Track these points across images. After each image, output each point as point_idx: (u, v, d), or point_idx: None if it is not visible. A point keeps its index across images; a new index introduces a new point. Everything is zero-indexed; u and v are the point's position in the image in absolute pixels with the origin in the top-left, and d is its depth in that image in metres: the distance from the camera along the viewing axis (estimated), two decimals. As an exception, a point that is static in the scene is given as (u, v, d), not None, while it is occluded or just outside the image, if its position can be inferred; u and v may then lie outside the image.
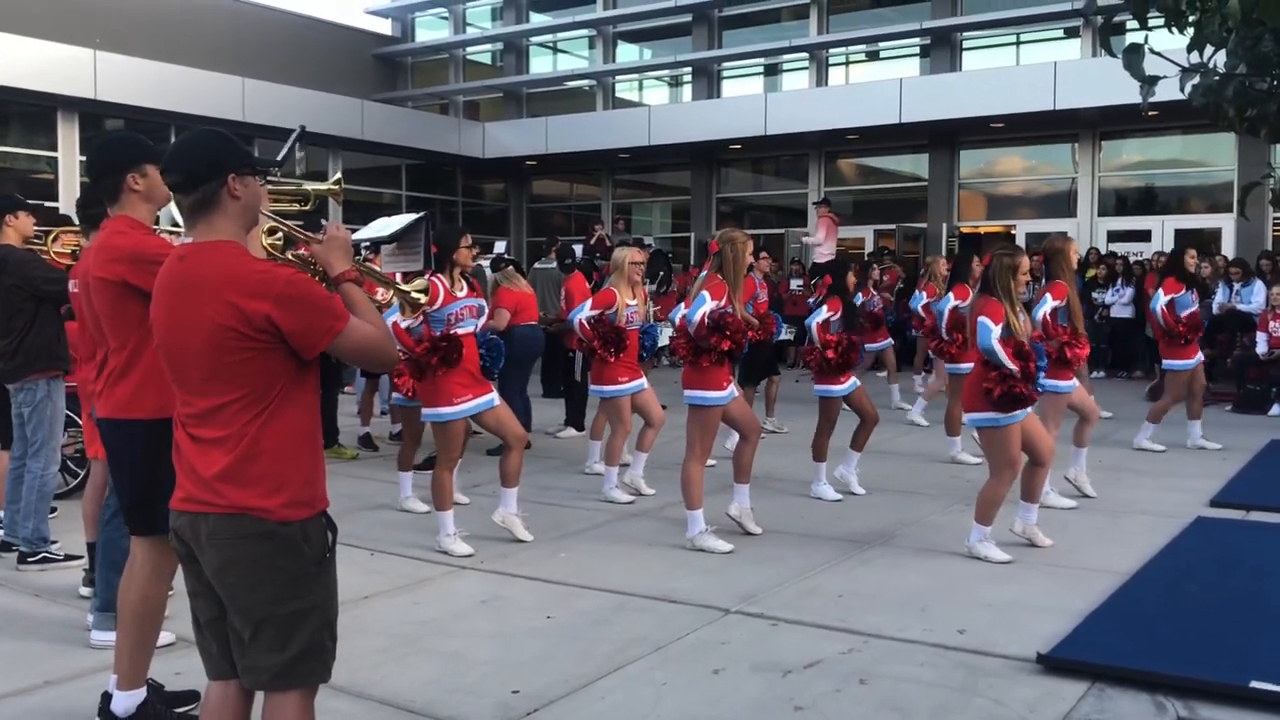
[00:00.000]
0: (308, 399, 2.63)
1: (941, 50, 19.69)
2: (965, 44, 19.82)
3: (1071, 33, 18.93)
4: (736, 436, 6.23)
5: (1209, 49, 3.26)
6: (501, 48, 25.38)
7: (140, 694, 3.57)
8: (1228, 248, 16.15)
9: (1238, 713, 3.66)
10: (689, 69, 22.62)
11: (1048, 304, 6.67)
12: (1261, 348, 11.67)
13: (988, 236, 19.21)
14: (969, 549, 5.61)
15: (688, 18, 22.17)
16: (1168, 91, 3.22)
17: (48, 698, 3.89)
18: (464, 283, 6.05)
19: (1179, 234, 16.68)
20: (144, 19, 19.81)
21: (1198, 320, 8.77)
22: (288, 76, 19.89)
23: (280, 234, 2.95)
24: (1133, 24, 3.51)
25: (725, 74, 22.55)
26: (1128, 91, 3.56)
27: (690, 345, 5.84)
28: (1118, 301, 14.72)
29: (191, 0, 21.03)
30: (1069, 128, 18.09)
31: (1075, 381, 6.90)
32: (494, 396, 5.89)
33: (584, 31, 24.04)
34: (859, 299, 10.38)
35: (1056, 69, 16.79)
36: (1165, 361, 8.87)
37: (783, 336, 10.74)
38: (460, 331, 5.81)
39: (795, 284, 16.71)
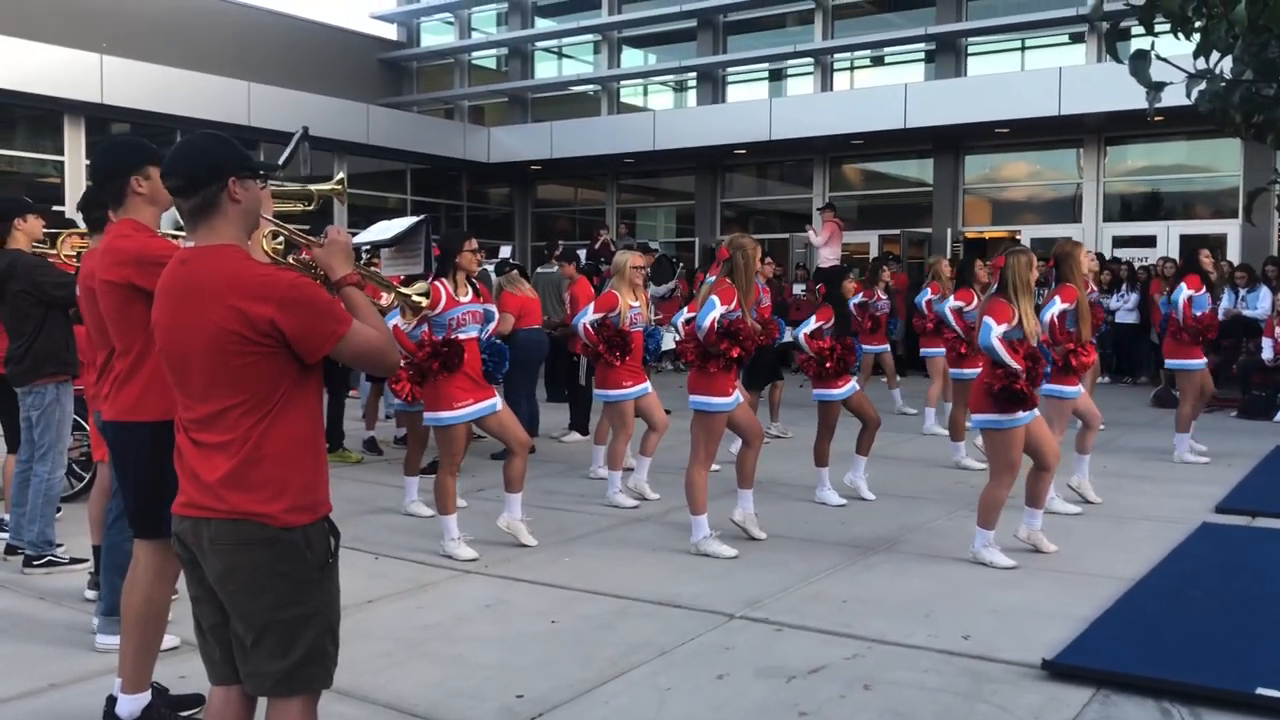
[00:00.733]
0: (310, 403, 2.63)
1: (946, 55, 19.69)
2: (970, 49, 19.82)
3: (1077, 38, 18.94)
4: (740, 441, 6.22)
5: (1215, 55, 3.25)
6: (507, 53, 25.42)
7: (145, 697, 3.57)
8: (1233, 253, 16.12)
9: (1243, 720, 3.65)
10: (694, 74, 22.65)
11: (1056, 306, 6.67)
12: (1267, 353, 11.65)
13: (992, 241, 19.20)
14: (973, 554, 5.60)
15: (692, 23, 22.20)
16: (1173, 97, 3.22)
17: (52, 701, 3.89)
18: (469, 287, 6.05)
19: (1184, 239, 16.65)
20: (150, 23, 19.87)
21: (1213, 320, 8.73)
22: (293, 81, 19.94)
23: (282, 238, 2.96)
24: (1139, 30, 3.51)
25: (730, 79, 22.57)
26: (1133, 97, 3.56)
27: (699, 350, 5.83)
28: (1122, 307, 14.70)
29: (198, 5, 21.10)
30: (1074, 133, 18.09)
31: (1080, 387, 6.89)
32: (496, 401, 5.89)
33: (589, 36, 24.08)
34: (863, 300, 10.39)
35: (1061, 74, 16.80)
36: (1173, 362, 8.76)
37: (786, 340, 10.71)
38: (462, 336, 5.81)
39: (799, 289, 16.71)
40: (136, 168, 3.68)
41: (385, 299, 3.73)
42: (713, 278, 6.06)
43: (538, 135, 22.57)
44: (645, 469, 7.39)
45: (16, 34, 15.91)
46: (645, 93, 24.46)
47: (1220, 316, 12.67)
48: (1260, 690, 3.72)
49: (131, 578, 3.65)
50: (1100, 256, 15.72)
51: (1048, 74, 17.11)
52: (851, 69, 21.43)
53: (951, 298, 8.75)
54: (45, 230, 5.87)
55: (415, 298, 3.25)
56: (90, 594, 4.95)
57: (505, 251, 15.70)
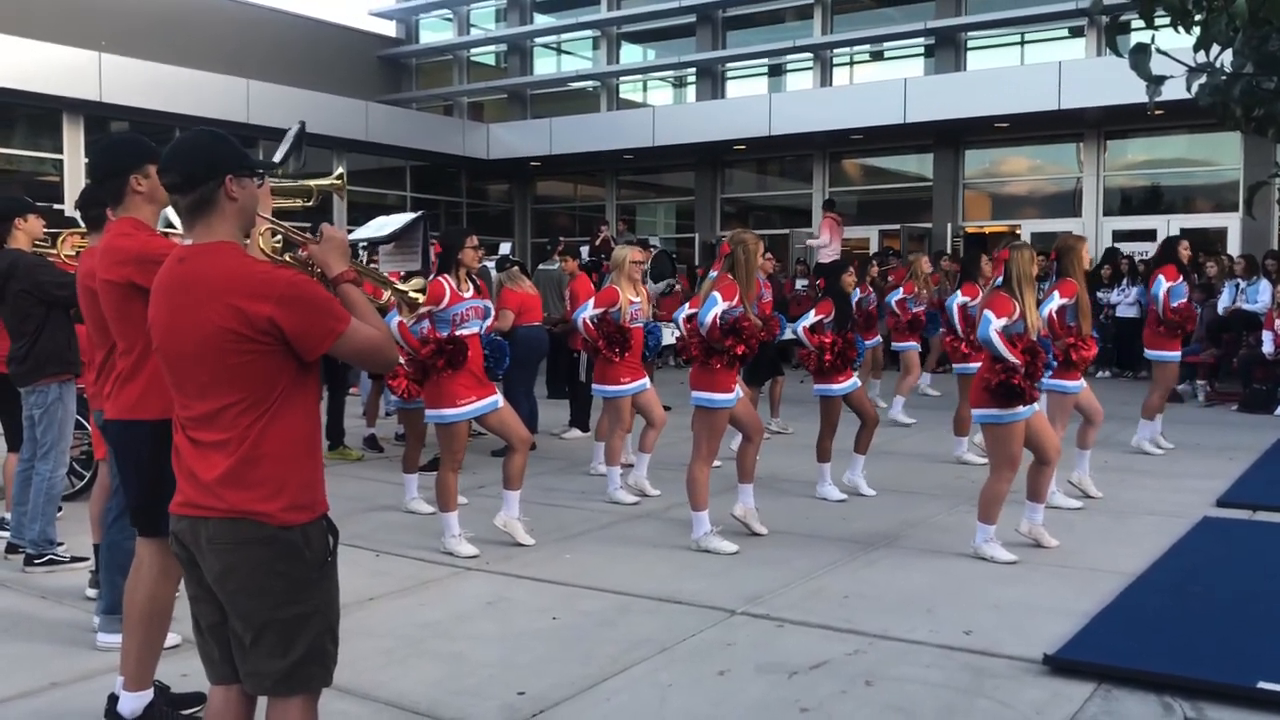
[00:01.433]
0: (308, 402, 2.62)
1: (946, 50, 19.67)
2: (970, 44, 19.80)
3: (1076, 32, 18.91)
4: (740, 437, 6.22)
5: (1216, 48, 3.25)
6: (506, 49, 25.40)
7: (147, 695, 3.57)
8: (1233, 247, 16.11)
9: (1245, 714, 3.64)
10: (693, 69, 22.62)
11: (1055, 301, 6.66)
12: (1268, 347, 11.64)
13: (992, 236, 19.19)
14: (974, 550, 5.59)
15: (692, 18, 22.18)
16: (1173, 91, 3.21)
17: (54, 699, 3.89)
18: (470, 283, 6.05)
19: (1184, 233, 16.64)
20: (149, 21, 19.85)
21: (1191, 311, 8.73)
22: (292, 78, 19.93)
23: (279, 236, 2.95)
24: (1139, 23, 3.50)
25: (729, 74, 22.55)
26: (1133, 91, 3.56)
27: (702, 346, 5.83)
28: (1123, 301, 14.68)
29: (196, 2, 21.08)
30: (1074, 127, 18.07)
31: (1083, 382, 6.89)
32: (498, 399, 5.89)
33: (588, 32, 24.05)
34: (856, 294, 10.40)
35: (1061, 69, 16.78)
36: (1151, 352, 8.72)
37: (787, 336, 10.72)
38: (465, 332, 5.81)
39: (800, 284, 16.70)
40: (136, 166, 3.67)
41: (383, 296, 3.73)
42: (714, 273, 6.05)
43: (537, 131, 22.56)
44: (645, 465, 7.39)
45: (14, 32, 15.91)
46: (645, 88, 24.44)
47: (1220, 311, 12.74)
48: (1262, 684, 3.72)
49: (135, 576, 3.65)
50: (1115, 250, 15.61)
51: (1047, 68, 17.09)
52: (851, 64, 21.41)
53: (958, 293, 8.74)
54: (46, 230, 5.86)
55: (413, 294, 3.25)
56: (91, 592, 4.95)
57: (505, 248, 15.69)
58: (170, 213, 3.86)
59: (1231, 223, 16.88)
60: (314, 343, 2.51)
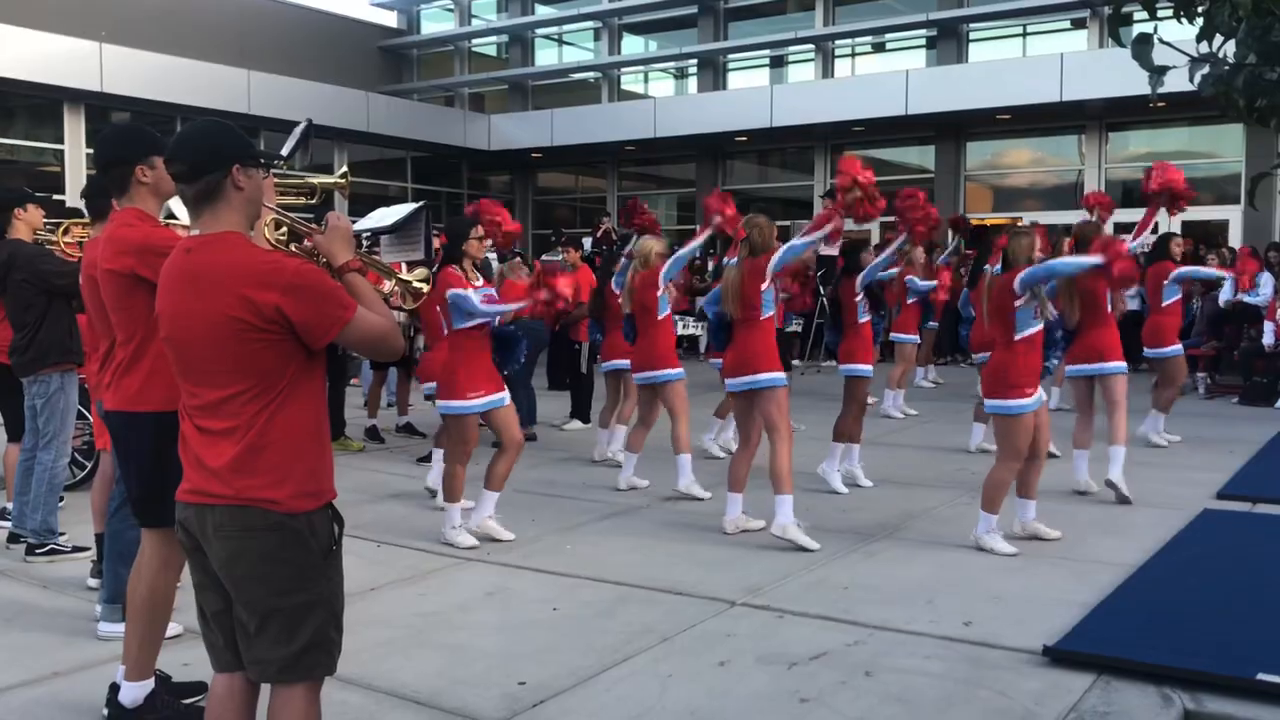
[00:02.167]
0: (315, 390, 2.63)
1: (948, 42, 19.63)
2: (972, 35, 19.75)
3: (1078, 23, 18.86)
4: (735, 434, 6.21)
5: (1219, 38, 3.24)
6: (507, 40, 25.35)
7: (148, 685, 3.58)
8: (1235, 239, 16.09)
9: (1244, 705, 3.65)
10: (694, 61, 22.57)
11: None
12: (1269, 339, 11.63)
13: (994, 228, 19.15)
14: (975, 540, 5.60)
15: (693, 9, 22.12)
16: (1175, 82, 3.20)
17: (56, 689, 3.90)
18: (477, 273, 6.00)
19: (1185, 226, 16.61)
20: (150, 11, 19.80)
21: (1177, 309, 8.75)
22: (293, 69, 19.88)
23: (285, 228, 2.95)
24: (1142, 14, 3.49)
25: (731, 66, 22.50)
26: (1135, 82, 3.55)
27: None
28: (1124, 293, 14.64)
29: (197, -7, 21.05)
30: (1076, 119, 18.03)
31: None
32: (505, 395, 5.88)
33: (589, 23, 24.01)
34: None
35: (1063, 60, 16.74)
36: (1151, 350, 8.73)
37: (791, 328, 10.72)
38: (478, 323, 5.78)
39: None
40: (140, 156, 3.67)
41: (386, 285, 3.74)
42: (731, 260, 6.03)
43: (538, 123, 22.52)
44: (632, 463, 7.32)
45: (15, 22, 15.86)
46: (646, 80, 24.40)
47: (1221, 304, 12.71)
48: (1261, 675, 3.73)
49: (137, 567, 3.66)
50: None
51: (1049, 60, 17.06)
52: (853, 55, 21.36)
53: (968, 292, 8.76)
54: (47, 220, 5.86)
55: (416, 284, 3.25)
56: (93, 582, 4.96)
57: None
58: (171, 203, 3.87)
59: (1234, 215, 16.85)
60: (321, 331, 2.52)
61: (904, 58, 20.45)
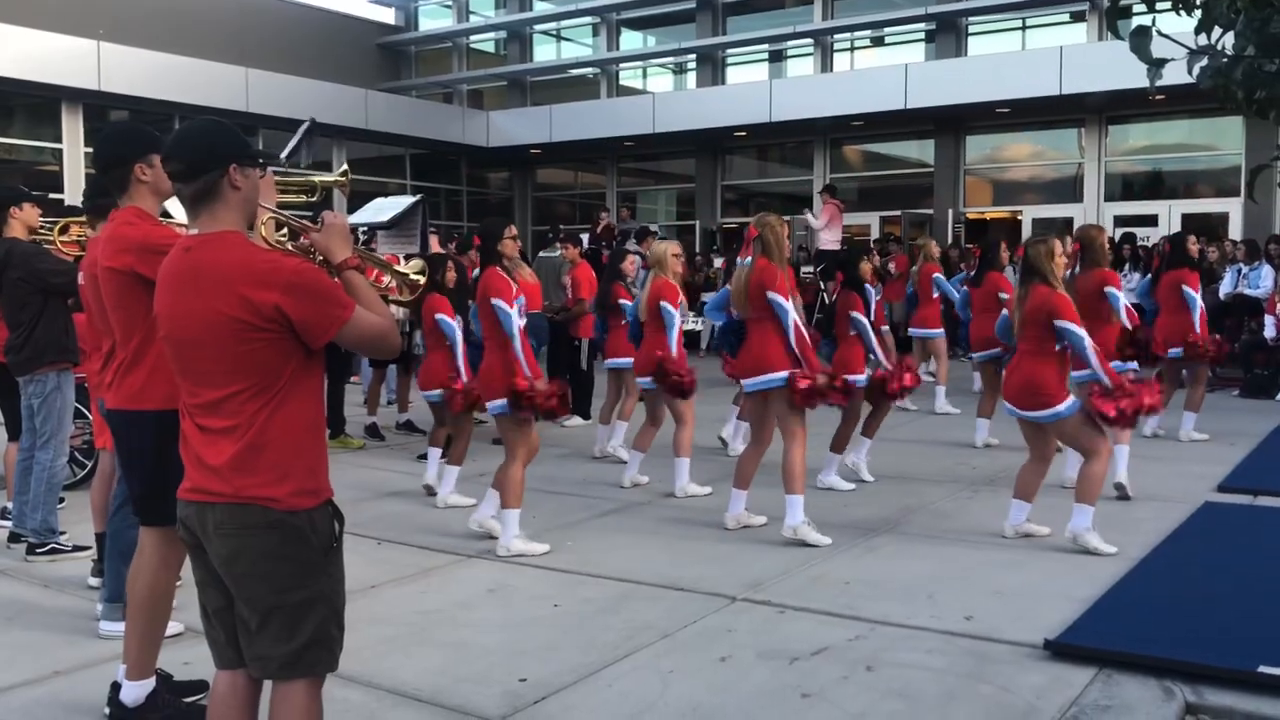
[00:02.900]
0: (314, 389, 2.63)
1: (947, 35, 19.61)
2: (971, 29, 19.73)
3: (1077, 17, 18.84)
4: (741, 434, 6.19)
5: (1217, 30, 3.22)
6: (505, 36, 25.33)
7: (149, 684, 3.58)
8: (1235, 232, 16.08)
9: (1246, 697, 3.65)
10: (693, 56, 22.55)
11: (1121, 298, 6.67)
12: (1269, 332, 11.62)
13: (994, 222, 19.17)
14: (1072, 534, 5.43)
15: (691, 4, 22.10)
16: (1175, 75, 3.19)
17: (57, 688, 3.91)
18: (509, 275, 5.95)
19: (1185, 219, 16.61)
20: (147, 9, 19.79)
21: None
22: (291, 66, 19.87)
23: (285, 229, 2.95)
24: (1140, 7, 3.48)
25: (730, 61, 22.48)
26: (1134, 75, 3.54)
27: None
28: (1126, 287, 14.61)
29: (194, -10, 21.04)
30: (1075, 112, 18.02)
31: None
32: None
33: (588, 19, 23.99)
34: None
35: (1063, 53, 16.73)
36: (1177, 350, 8.70)
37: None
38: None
39: (805, 270, 16.66)
40: (140, 155, 3.67)
41: (384, 280, 3.74)
42: (744, 260, 6.01)
43: (537, 119, 22.51)
44: (637, 462, 7.31)
45: (13, 21, 15.86)
46: (644, 75, 24.38)
47: (1221, 297, 12.71)
48: (1263, 668, 3.73)
49: (137, 565, 3.66)
50: (1131, 235, 15.52)
51: (1049, 53, 17.04)
52: (851, 50, 21.35)
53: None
54: (46, 219, 5.85)
55: (413, 276, 3.25)
56: (93, 581, 4.96)
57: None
58: (167, 203, 3.86)
59: (1233, 207, 16.85)
60: (320, 330, 2.53)
61: (903, 52, 20.43)
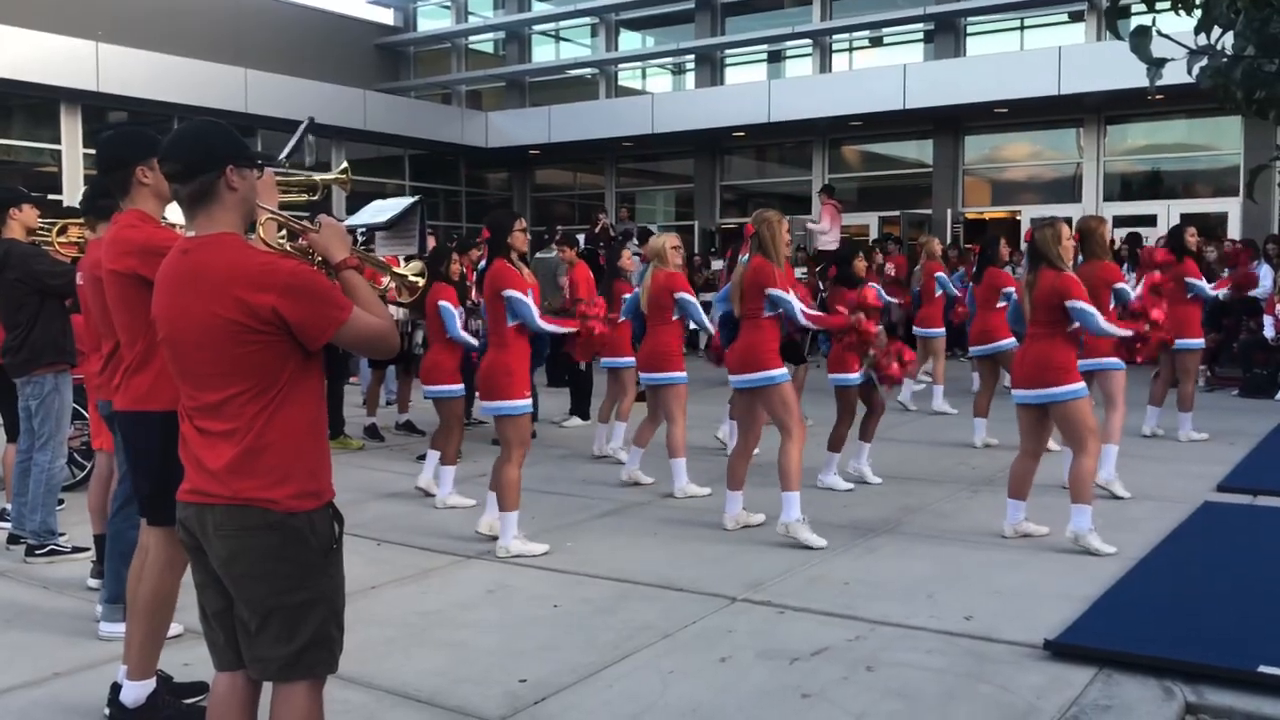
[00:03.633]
0: (313, 390, 2.63)
1: (945, 36, 19.61)
2: (969, 29, 19.74)
3: (1076, 17, 18.85)
4: (734, 432, 6.19)
5: (1217, 30, 3.23)
6: (504, 36, 25.32)
7: (150, 685, 3.58)
8: (1234, 231, 16.08)
9: (1246, 697, 3.65)
10: (692, 56, 22.55)
11: (1130, 289, 6.71)
12: (1269, 331, 11.62)
13: (993, 222, 19.16)
14: (1073, 535, 5.41)
15: (690, 5, 22.10)
16: (1174, 75, 3.19)
17: (57, 689, 3.90)
18: (524, 266, 5.92)
19: (1184, 218, 16.60)
20: (146, 10, 19.78)
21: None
22: (290, 67, 19.86)
23: (284, 231, 2.95)
24: (1140, 6, 3.48)
25: (728, 61, 22.48)
26: (1133, 75, 3.54)
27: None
28: (1127, 286, 14.58)
29: (193, -9, 21.03)
30: (1074, 112, 18.02)
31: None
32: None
33: (586, 19, 23.98)
34: None
35: (1061, 53, 16.72)
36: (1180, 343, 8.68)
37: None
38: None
39: (800, 272, 16.66)
40: (140, 158, 3.67)
41: (383, 281, 3.73)
42: (744, 257, 6.00)
43: (536, 119, 22.50)
44: (638, 457, 7.31)
45: (12, 22, 15.85)
46: (643, 75, 24.38)
47: (1221, 296, 12.69)
48: (1263, 668, 3.73)
49: (140, 566, 3.66)
50: (1137, 237, 15.47)
51: (1047, 53, 17.04)
52: (850, 50, 21.35)
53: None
54: (44, 220, 5.84)
55: (412, 278, 3.25)
56: (93, 583, 4.96)
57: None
58: (170, 210, 3.86)
59: (1232, 207, 16.84)
60: (317, 332, 2.52)
61: (901, 52, 20.43)
